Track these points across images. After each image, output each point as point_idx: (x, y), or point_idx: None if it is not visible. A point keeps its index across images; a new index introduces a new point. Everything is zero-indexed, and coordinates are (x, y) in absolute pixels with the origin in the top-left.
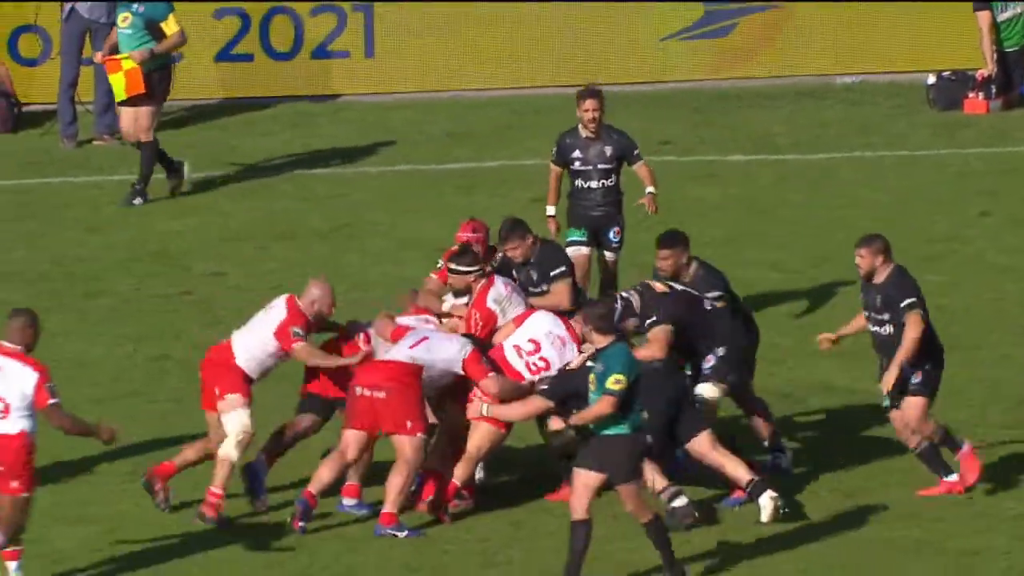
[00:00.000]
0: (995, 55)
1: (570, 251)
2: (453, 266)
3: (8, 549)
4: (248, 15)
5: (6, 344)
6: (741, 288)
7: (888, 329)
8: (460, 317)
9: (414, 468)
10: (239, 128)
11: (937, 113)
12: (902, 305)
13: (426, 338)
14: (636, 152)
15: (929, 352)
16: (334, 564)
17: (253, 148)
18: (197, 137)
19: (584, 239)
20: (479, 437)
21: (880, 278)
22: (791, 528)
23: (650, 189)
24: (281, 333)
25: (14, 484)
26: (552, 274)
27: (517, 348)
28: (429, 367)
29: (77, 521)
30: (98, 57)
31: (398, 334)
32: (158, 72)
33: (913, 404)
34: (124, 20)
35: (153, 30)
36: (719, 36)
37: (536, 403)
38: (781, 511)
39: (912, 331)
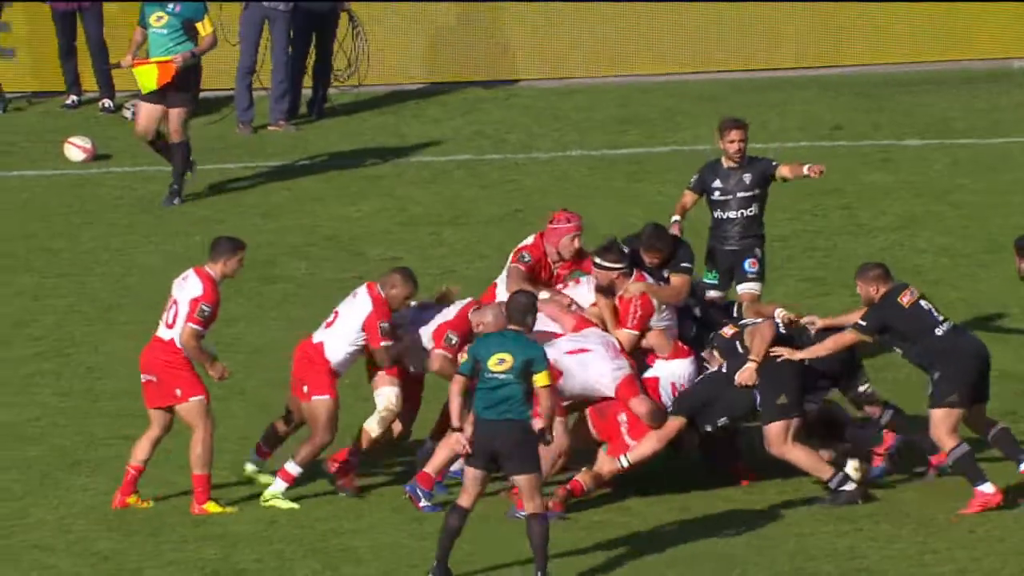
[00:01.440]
0: None
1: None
2: (599, 260)
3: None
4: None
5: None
6: (912, 275)
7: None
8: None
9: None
10: (409, 114)
11: None
12: (774, 164)
13: (587, 350)
14: (774, 163)
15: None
16: (506, 549)
17: (421, 134)
18: (368, 124)
19: (716, 282)
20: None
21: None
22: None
23: (807, 167)
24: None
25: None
26: (682, 265)
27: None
28: (569, 379)
29: (245, 504)
30: (128, 60)
31: (579, 327)
32: (193, 72)
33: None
34: (159, 20)
35: (189, 30)
36: None
37: (671, 426)
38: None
39: (831, 341)
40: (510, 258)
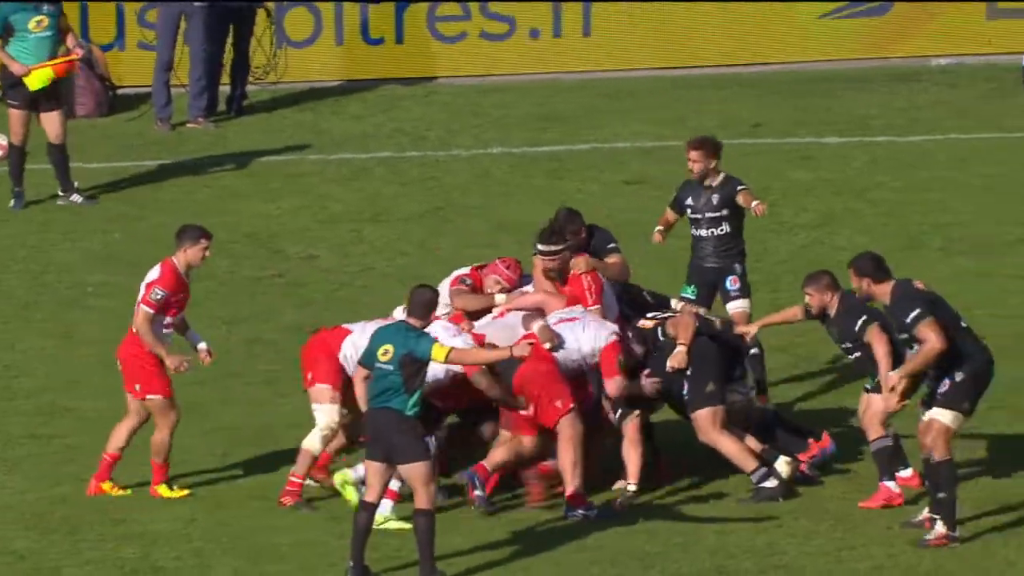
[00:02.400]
0: None
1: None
2: (546, 248)
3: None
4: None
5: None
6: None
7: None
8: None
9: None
10: (328, 111)
11: None
12: (739, 188)
13: (576, 319)
14: (739, 188)
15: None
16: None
17: (341, 131)
18: (288, 121)
19: (693, 297)
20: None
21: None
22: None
23: (755, 203)
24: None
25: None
26: (609, 246)
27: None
28: (563, 346)
29: (164, 502)
30: (22, 69)
31: (566, 305)
32: (69, 77)
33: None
34: (40, 24)
35: (61, 29)
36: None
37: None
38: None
39: (879, 347)
40: (448, 284)
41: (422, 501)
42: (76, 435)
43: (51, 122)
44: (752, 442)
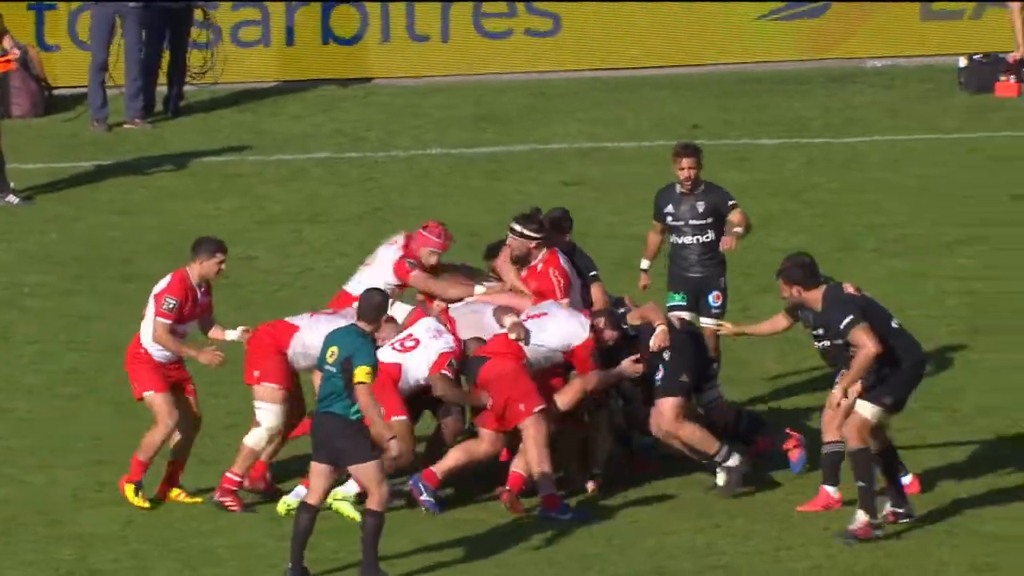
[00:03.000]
0: None
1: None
2: (519, 228)
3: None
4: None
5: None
6: (767, 274)
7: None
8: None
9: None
10: (267, 112)
11: (968, 96)
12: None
13: (546, 314)
14: (731, 203)
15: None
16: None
17: (283, 132)
18: (226, 121)
19: (684, 303)
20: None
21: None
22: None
23: (736, 229)
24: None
25: None
26: (591, 274)
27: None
28: (534, 340)
29: (100, 504)
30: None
31: (536, 303)
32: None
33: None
34: None
35: None
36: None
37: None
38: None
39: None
40: (392, 266)
41: (373, 502)
42: (12, 437)
43: None
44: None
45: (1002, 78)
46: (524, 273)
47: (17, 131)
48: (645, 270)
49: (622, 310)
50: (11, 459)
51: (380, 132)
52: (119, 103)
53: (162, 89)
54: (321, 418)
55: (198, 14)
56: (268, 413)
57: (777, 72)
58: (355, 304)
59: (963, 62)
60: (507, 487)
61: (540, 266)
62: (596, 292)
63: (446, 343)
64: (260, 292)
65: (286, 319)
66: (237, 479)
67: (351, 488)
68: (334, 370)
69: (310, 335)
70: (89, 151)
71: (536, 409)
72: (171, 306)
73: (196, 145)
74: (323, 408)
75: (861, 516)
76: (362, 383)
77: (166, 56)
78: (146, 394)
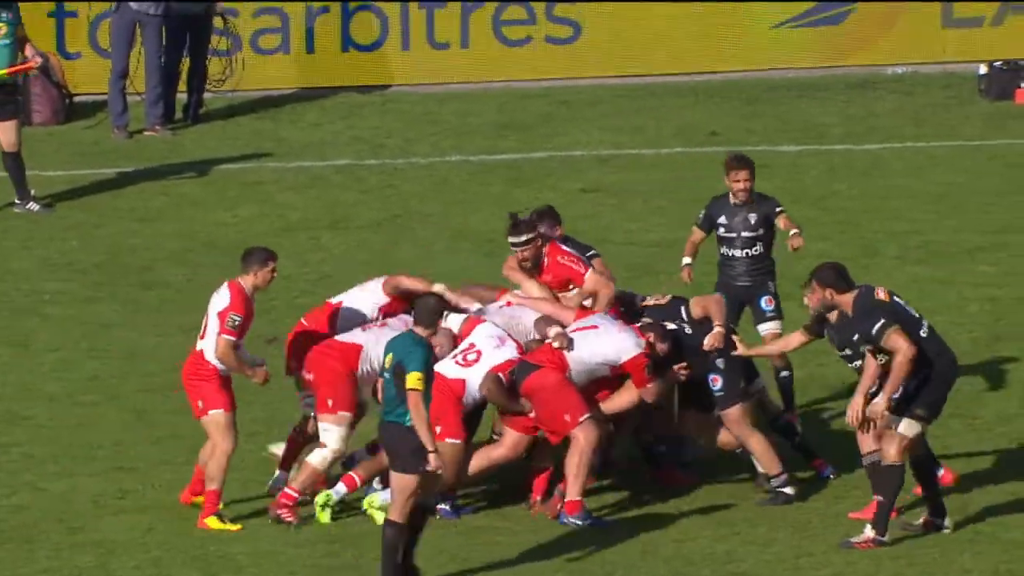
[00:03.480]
0: None
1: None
2: (518, 239)
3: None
4: (288, 13)
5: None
6: (790, 281)
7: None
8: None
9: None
10: (286, 119)
11: (989, 103)
12: (778, 210)
13: (596, 327)
14: (778, 210)
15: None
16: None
17: (302, 139)
18: (245, 129)
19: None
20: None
21: (847, 308)
22: (833, 513)
23: (794, 231)
24: None
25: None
26: (588, 255)
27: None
28: (580, 353)
29: (121, 511)
30: None
31: (580, 316)
32: (17, 80)
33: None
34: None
35: (20, 39)
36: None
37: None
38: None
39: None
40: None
41: (395, 513)
42: (33, 444)
43: (5, 131)
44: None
45: (1022, 85)
46: (540, 275)
47: (38, 138)
48: (688, 264)
49: (680, 303)
50: (32, 466)
51: (399, 139)
52: (139, 110)
53: (182, 96)
54: (384, 426)
55: (218, 22)
56: (335, 436)
57: (798, 79)
58: (345, 313)
59: (983, 69)
60: (535, 497)
61: (547, 260)
62: (598, 266)
63: (511, 351)
64: (280, 299)
65: (338, 338)
66: (295, 496)
67: (387, 496)
68: (388, 376)
69: (375, 349)
70: (109, 158)
71: (582, 418)
72: (236, 323)
73: (215, 152)
74: (385, 416)
75: (869, 531)
76: (414, 389)
77: (186, 63)
78: (212, 412)
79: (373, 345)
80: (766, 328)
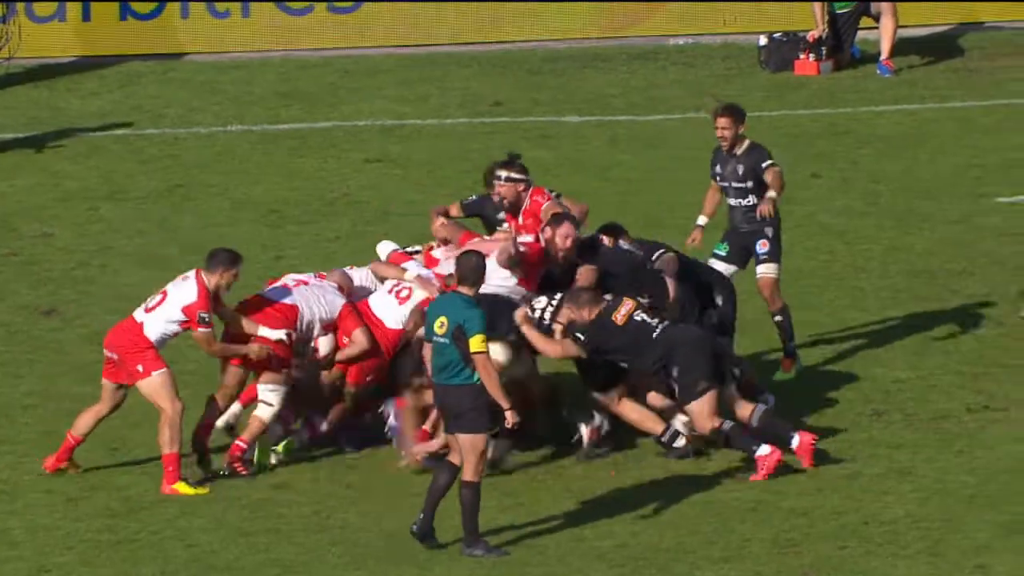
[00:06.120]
0: (826, 16)
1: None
2: (506, 174)
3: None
4: None
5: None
6: None
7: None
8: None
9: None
10: (64, 88)
11: (769, 75)
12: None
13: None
14: (765, 164)
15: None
16: (167, 528)
17: (80, 109)
18: (21, 98)
19: (724, 254)
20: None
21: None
22: (626, 487)
23: (770, 194)
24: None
25: None
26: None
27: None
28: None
29: None
30: None
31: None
32: None
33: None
34: None
35: None
36: None
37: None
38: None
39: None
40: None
41: (469, 473)
42: None
43: None
44: (658, 399)
45: (801, 56)
46: (520, 220)
47: None
48: (700, 226)
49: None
50: None
51: (180, 109)
52: None
53: None
54: (442, 390)
55: None
56: (279, 397)
57: (581, 49)
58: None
59: (763, 40)
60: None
61: (529, 204)
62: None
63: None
64: (56, 270)
65: (273, 300)
66: (244, 446)
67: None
68: (446, 341)
69: (308, 306)
70: None
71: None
72: (206, 319)
73: None
74: (442, 380)
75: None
76: (479, 352)
77: None
78: (156, 372)
79: (306, 306)
80: (760, 271)
